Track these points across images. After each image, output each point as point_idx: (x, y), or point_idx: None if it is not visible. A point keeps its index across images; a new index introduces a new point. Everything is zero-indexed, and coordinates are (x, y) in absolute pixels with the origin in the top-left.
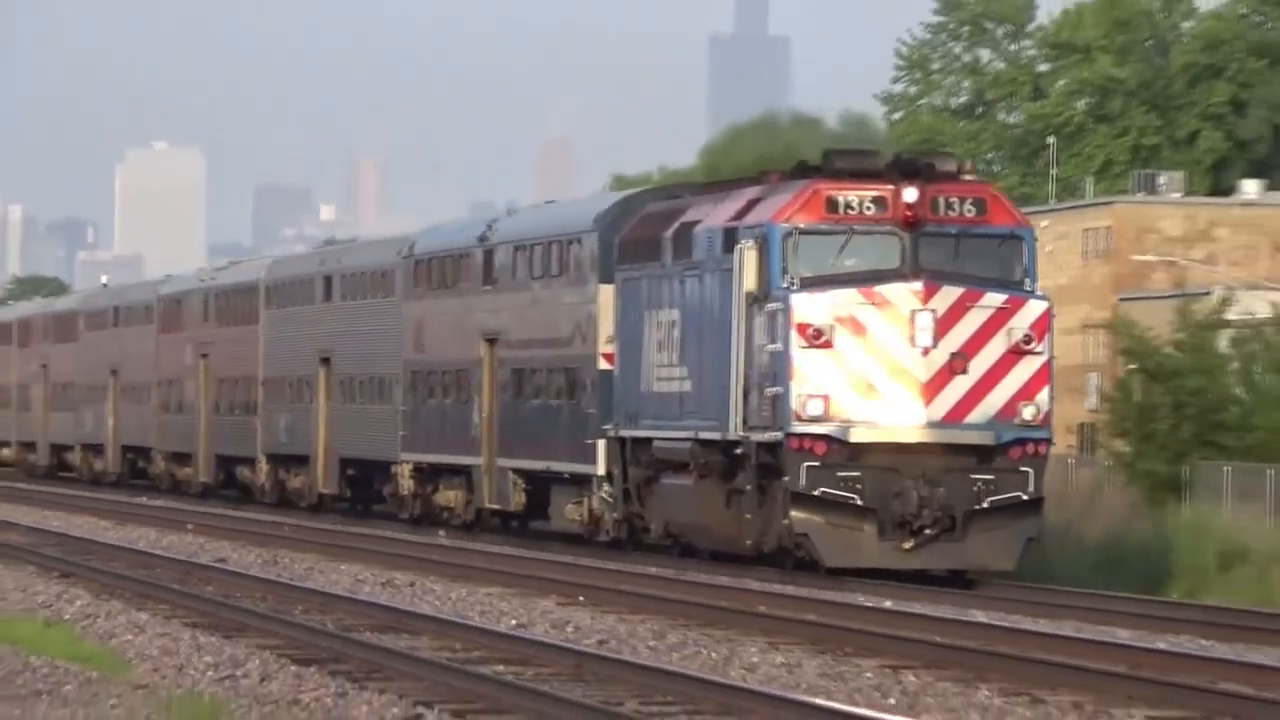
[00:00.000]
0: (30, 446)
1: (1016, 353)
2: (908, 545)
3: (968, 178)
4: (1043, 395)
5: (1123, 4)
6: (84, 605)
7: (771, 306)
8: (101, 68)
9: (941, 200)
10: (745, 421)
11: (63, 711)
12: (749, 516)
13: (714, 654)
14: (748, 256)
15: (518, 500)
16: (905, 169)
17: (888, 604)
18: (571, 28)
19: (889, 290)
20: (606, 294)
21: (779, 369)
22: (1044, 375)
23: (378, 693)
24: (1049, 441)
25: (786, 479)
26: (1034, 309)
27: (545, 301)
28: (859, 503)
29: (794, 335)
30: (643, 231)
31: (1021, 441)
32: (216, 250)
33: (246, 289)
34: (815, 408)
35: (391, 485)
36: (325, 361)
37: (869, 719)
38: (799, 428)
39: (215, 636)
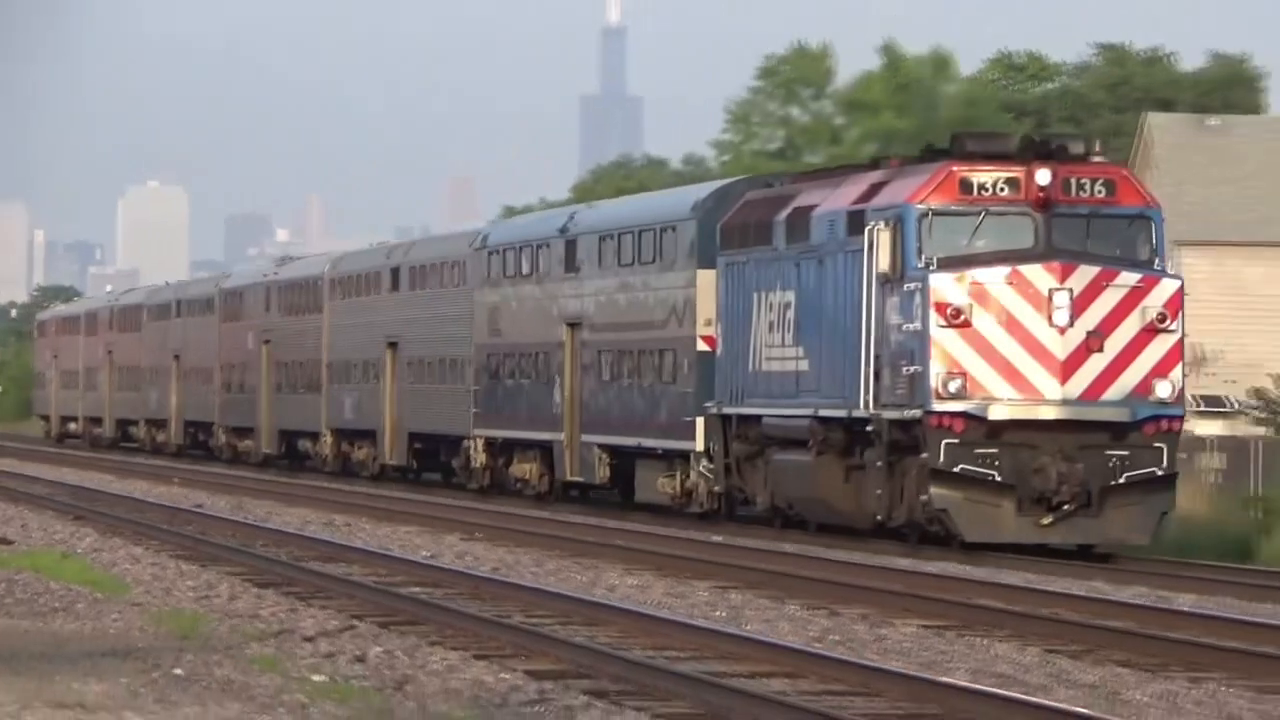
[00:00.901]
0: (97, 421)
1: (1150, 331)
2: (1046, 521)
3: (1097, 159)
4: (1175, 373)
5: (902, 71)
6: (92, 541)
7: (909, 286)
8: (107, 117)
9: (1073, 181)
10: (877, 399)
11: (76, 624)
12: (879, 492)
13: (582, 578)
14: (881, 237)
15: (602, 474)
16: (1038, 150)
17: (717, 539)
18: (472, 86)
19: (1027, 270)
20: (706, 278)
21: (917, 348)
22: (1176, 353)
23: (320, 608)
24: (1181, 418)
25: (925, 455)
26: (1167, 288)
27: (635, 287)
28: (998, 479)
29: (933, 314)
30: (749, 217)
31: (1156, 418)
32: (197, 266)
33: (308, 283)
34: (954, 385)
35: (461, 459)
36: (393, 345)
37: (702, 628)
38: (938, 405)
39: (194, 565)
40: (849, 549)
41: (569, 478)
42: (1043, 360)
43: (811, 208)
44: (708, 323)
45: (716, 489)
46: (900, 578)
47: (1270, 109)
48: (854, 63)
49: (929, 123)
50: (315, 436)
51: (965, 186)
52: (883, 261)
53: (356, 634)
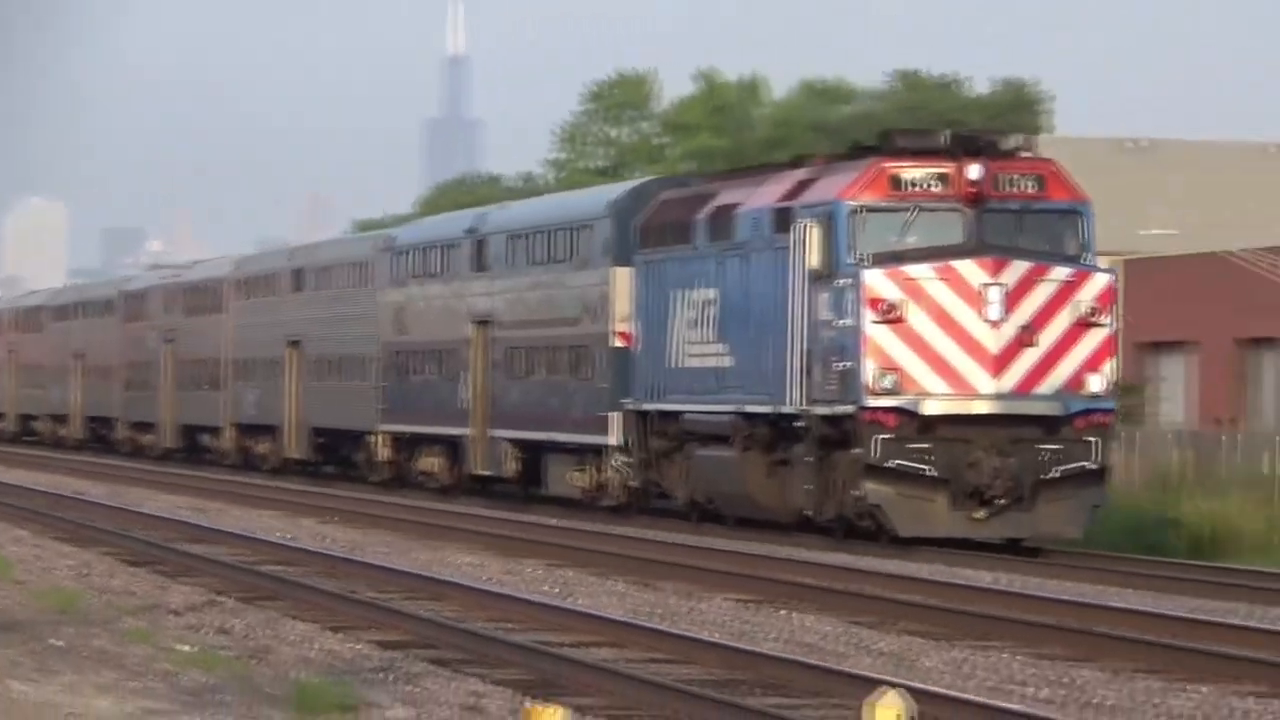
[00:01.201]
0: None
1: (1083, 325)
2: (979, 515)
3: (1026, 155)
4: (1108, 367)
5: (718, 95)
6: None
7: (841, 282)
8: None
9: (1003, 177)
10: (807, 395)
11: None
12: (808, 487)
13: (426, 557)
14: (811, 234)
15: (511, 468)
16: (968, 146)
17: (552, 521)
18: (327, 108)
19: (959, 265)
20: (621, 276)
21: (850, 343)
22: (1109, 347)
23: (188, 585)
24: (1113, 412)
25: (858, 451)
26: (1099, 282)
27: (548, 285)
28: (931, 474)
29: (866, 310)
30: (666, 216)
31: (1088, 412)
32: (75, 273)
33: (210, 285)
34: (888, 381)
35: (365, 453)
36: (295, 344)
37: (534, 602)
38: (872, 401)
39: (74, 546)
40: (758, 541)
41: (477, 471)
42: (975, 355)
43: (734, 206)
44: (623, 320)
45: (632, 483)
46: (717, 556)
47: (1056, 130)
48: (675, 87)
49: (743, 142)
50: (217, 431)
51: (896, 183)
52: (813, 258)
53: (220, 608)
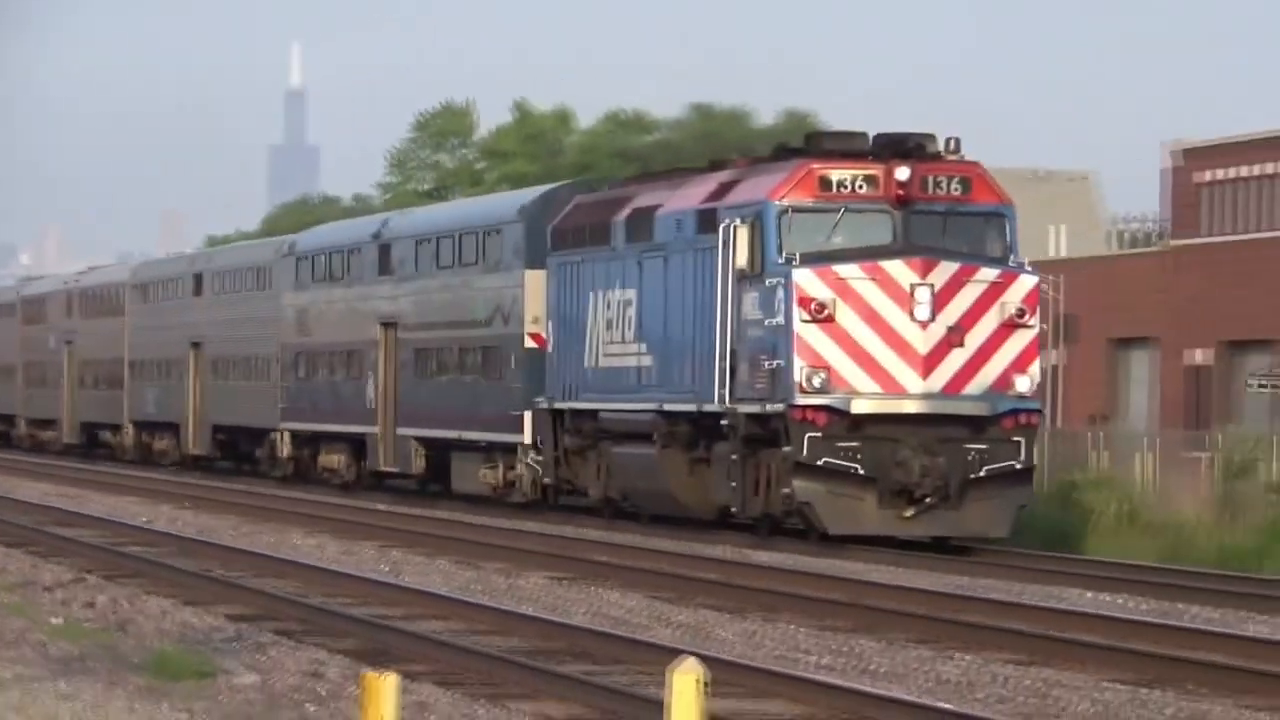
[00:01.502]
0: None
1: (1009, 326)
2: (908, 514)
3: (952, 157)
4: (1034, 367)
5: (530, 124)
6: None
7: (770, 282)
8: None
9: (930, 179)
10: (732, 394)
11: None
12: (733, 485)
13: (271, 539)
14: (738, 234)
15: (419, 465)
16: (895, 148)
17: (380, 506)
18: (177, 133)
19: (889, 265)
20: (534, 278)
21: (780, 342)
22: (1034, 348)
23: (57, 564)
24: (1039, 412)
25: (788, 449)
26: (1025, 283)
27: (456, 288)
28: (860, 472)
29: (796, 309)
30: (582, 219)
31: (1014, 412)
32: None
33: (109, 289)
34: (818, 379)
35: (266, 449)
36: (196, 345)
37: (368, 579)
38: (801, 399)
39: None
40: (656, 535)
41: (382, 468)
42: (904, 355)
43: (654, 208)
44: (535, 321)
45: (546, 480)
46: (532, 538)
47: None
48: (493, 117)
49: (553, 166)
50: (117, 428)
51: (824, 184)
52: (740, 258)
53: (87, 585)
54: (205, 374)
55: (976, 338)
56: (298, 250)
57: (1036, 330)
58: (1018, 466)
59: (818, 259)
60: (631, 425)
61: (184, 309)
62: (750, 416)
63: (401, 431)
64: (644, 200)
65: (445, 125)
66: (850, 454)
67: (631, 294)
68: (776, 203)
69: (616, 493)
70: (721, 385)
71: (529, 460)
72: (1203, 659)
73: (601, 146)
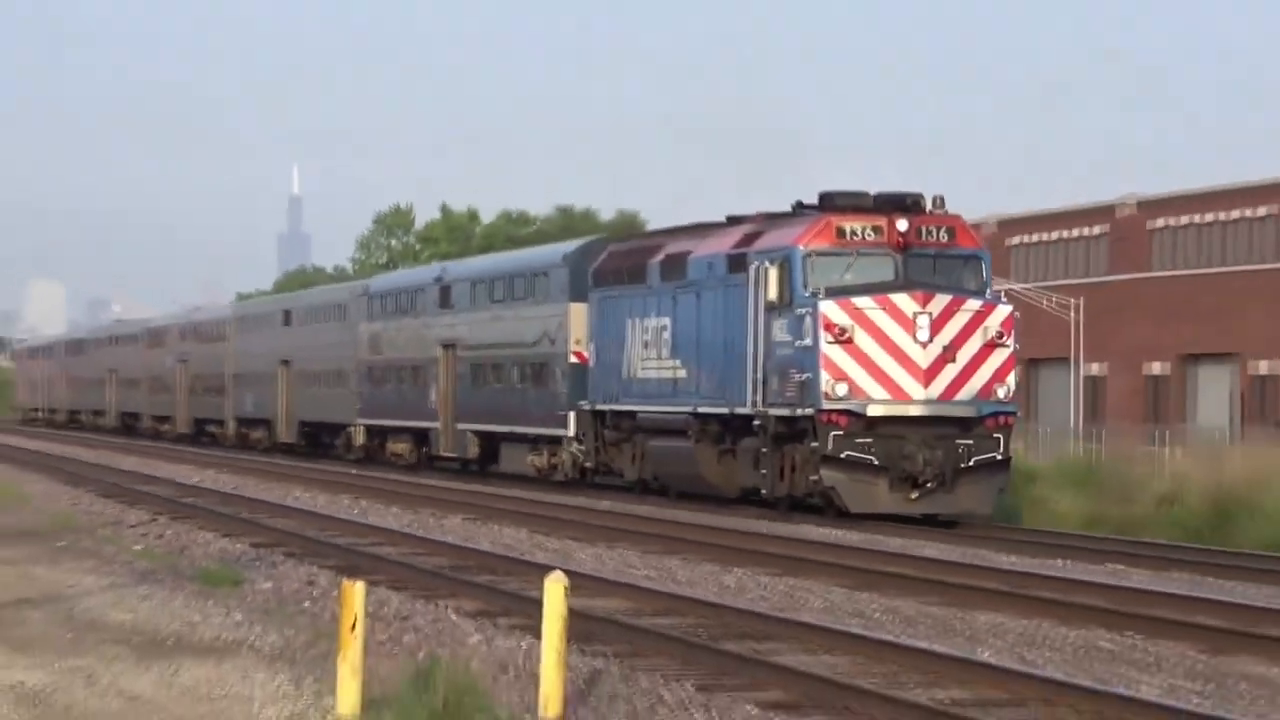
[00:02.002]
0: (55, 410)
1: (990, 346)
2: (913, 496)
3: (939, 211)
4: (1010, 379)
5: (450, 219)
6: (12, 474)
7: (799, 311)
8: None
9: (923, 228)
10: (764, 400)
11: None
12: (763, 472)
13: (279, 492)
14: (769, 274)
15: (473, 451)
16: (896, 204)
17: (353, 472)
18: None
19: (895, 298)
20: (577, 310)
21: (807, 359)
22: (1010, 363)
23: (139, 510)
24: (1014, 414)
25: (815, 444)
26: (1002, 312)
27: (507, 318)
28: (874, 462)
29: (823, 333)
30: (620, 263)
31: (996, 414)
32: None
33: (215, 322)
34: (841, 389)
35: (343, 439)
36: (285, 363)
37: (344, 519)
38: (828, 405)
39: (70, 487)
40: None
41: (442, 453)
42: (909, 369)
43: (686, 253)
44: (578, 342)
45: (587, 464)
46: (454, 492)
47: None
48: (426, 213)
49: (466, 249)
50: (220, 423)
51: (840, 233)
52: (770, 292)
53: (158, 524)
54: (293, 383)
55: (965, 355)
56: (370, 291)
57: (1012, 349)
58: (998, 457)
59: (838, 292)
60: (667, 423)
61: (276, 336)
62: (779, 418)
63: (460, 426)
64: (674, 247)
65: (393, 221)
66: (867, 448)
67: (666, 321)
68: (802, 248)
69: (649, 475)
70: (754, 393)
71: (572, 449)
72: (897, 572)
73: (498, 234)
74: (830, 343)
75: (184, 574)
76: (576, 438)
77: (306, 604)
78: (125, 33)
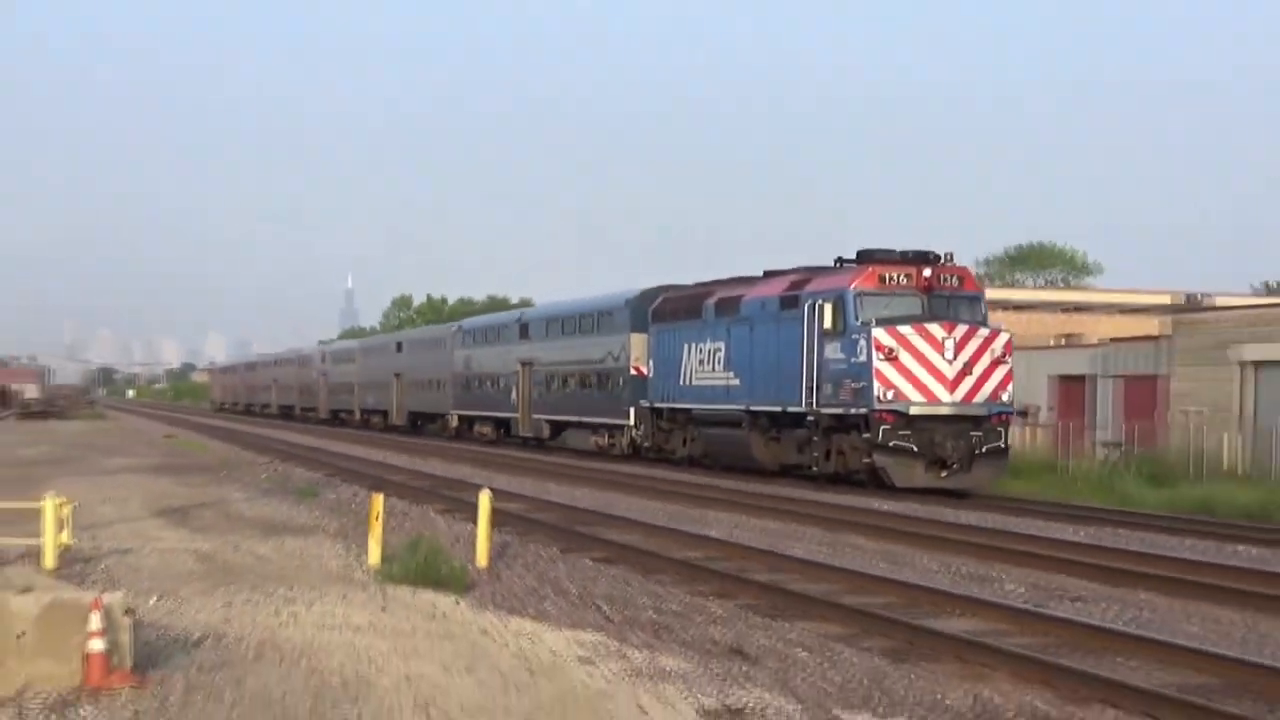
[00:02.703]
0: (314, 409)
1: (996, 363)
2: (943, 475)
3: (952, 263)
4: (1010, 387)
5: (430, 303)
6: (201, 437)
7: (853, 336)
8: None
9: (941, 275)
10: (817, 401)
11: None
12: (815, 454)
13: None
14: (826, 309)
15: (545, 432)
16: (921, 258)
17: (510, 451)
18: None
19: (929, 326)
20: (637, 338)
21: (862, 372)
22: (1010, 376)
23: (264, 456)
24: (1012, 414)
25: (868, 435)
26: (1004, 338)
27: (577, 344)
28: (914, 449)
29: (875, 352)
30: (674, 306)
31: (1000, 413)
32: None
33: (347, 351)
34: (889, 394)
35: (440, 423)
36: (398, 375)
37: (373, 460)
38: (879, 406)
39: (232, 445)
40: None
41: (520, 434)
42: (939, 379)
43: (739, 296)
44: (637, 359)
45: (645, 444)
46: (466, 451)
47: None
48: (420, 297)
49: (437, 319)
50: (350, 412)
51: (881, 279)
52: (826, 323)
53: (274, 464)
54: (404, 388)
55: (979, 369)
56: (463, 329)
57: (1010, 366)
58: (1001, 446)
59: (885, 322)
60: (722, 417)
61: (389, 359)
62: (832, 415)
63: (535, 416)
64: (724, 293)
65: (400, 302)
66: (908, 438)
67: (721, 345)
68: (854, 289)
69: (699, 454)
70: (807, 396)
71: (632, 433)
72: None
73: (457, 312)
74: (881, 360)
75: (289, 490)
76: (635, 425)
77: (353, 506)
78: (251, 192)
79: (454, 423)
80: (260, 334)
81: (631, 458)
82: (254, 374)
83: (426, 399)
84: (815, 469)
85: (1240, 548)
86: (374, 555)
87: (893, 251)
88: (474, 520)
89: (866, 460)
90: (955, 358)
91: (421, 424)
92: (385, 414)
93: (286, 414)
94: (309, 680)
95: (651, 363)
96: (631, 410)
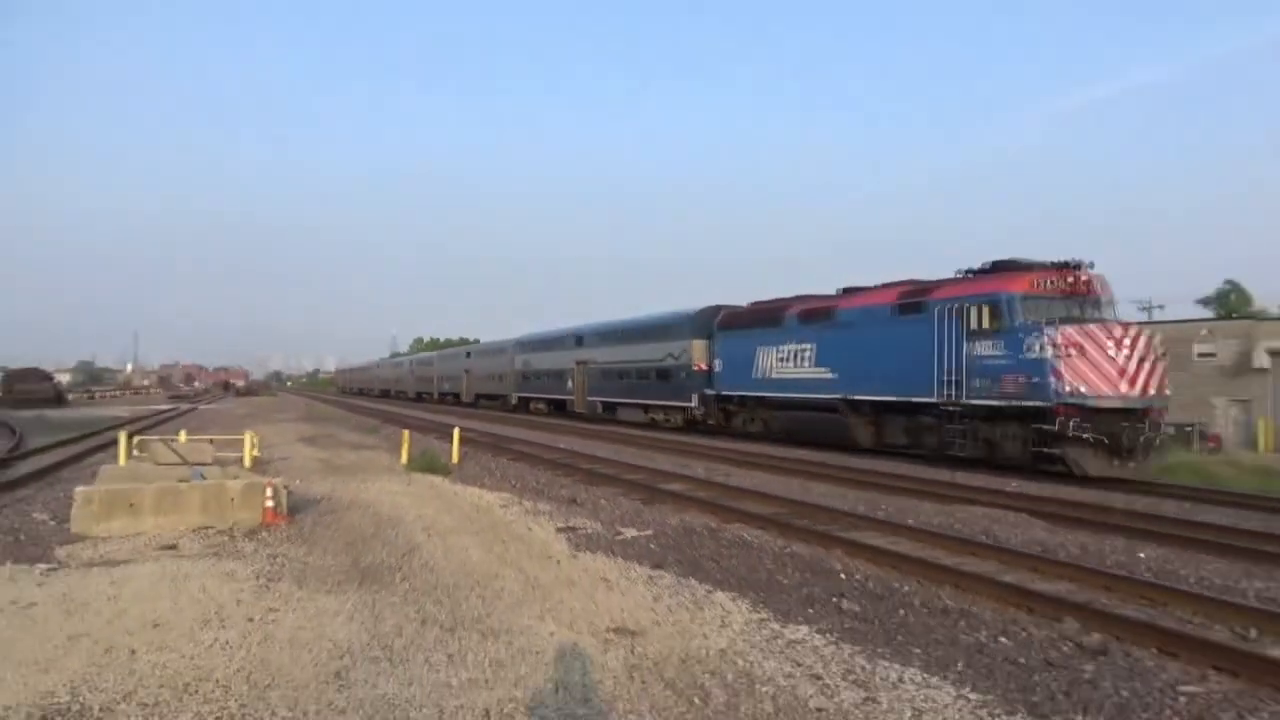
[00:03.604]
0: (457, 396)
1: (1156, 359)
2: (1118, 463)
3: (1092, 270)
4: (1167, 382)
5: (428, 341)
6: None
7: (1020, 335)
8: None
9: (1085, 280)
10: (961, 395)
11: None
12: (961, 441)
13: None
14: (975, 311)
15: (599, 410)
16: (1065, 265)
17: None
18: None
19: (1098, 325)
20: (698, 344)
21: (1035, 368)
22: (1167, 371)
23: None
24: (1165, 408)
25: (1047, 426)
26: (1158, 336)
27: (641, 351)
28: (1093, 438)
29: (1051, 349)
30: (742, 318)
31: (1161, 407)
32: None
33: (427, 359)
34: (1073, 388)
35: (501, 402)
36: (468, 371)
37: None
38: (1060, 400)
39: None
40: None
41: (576, 410)
42: (1115, 374)
43: (830, 308)
44: (698, 359)
45: (710, 421)
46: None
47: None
48: (426, 335)
49: (422, 348)
50: (431, 395)
51: (1033, 283)
52: (976, 324)
53: (388, 428)
54: (472, 378)
55: (1145, 365)
56: (520, 341)
57: (1166, 363)
58: (1159, 437)
59: (1064, 322)
60: (807, 403)
61: (460, 363)
62: (986, 407)
63: (590, 398)
64: (808, 306)
65: (417, 343)
66: (1089, 429)
67: (808, 346)
68: (1015, 293)
69: (778, 430)
70: (945, 389)
71: (693, 413)
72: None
73: (435, 345)
74: (1060, 356)
75: (372, 432)
76: (698, 407)
77: (395, 437)
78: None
79: (514, 401)
80: (336, 352)
81: (685, 430)
82: (365, 374)
83: (490, 387)
84: (962, 454)
85: None
86: (404, 458)
87: (1032, 261)
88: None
89: (1055, 451)
90: (1125, 353)
91: (482, 402)
92: (458, 395)
93: (385, 394)
94: (372, 517)
95: (717, 361)
96: (695, 396)
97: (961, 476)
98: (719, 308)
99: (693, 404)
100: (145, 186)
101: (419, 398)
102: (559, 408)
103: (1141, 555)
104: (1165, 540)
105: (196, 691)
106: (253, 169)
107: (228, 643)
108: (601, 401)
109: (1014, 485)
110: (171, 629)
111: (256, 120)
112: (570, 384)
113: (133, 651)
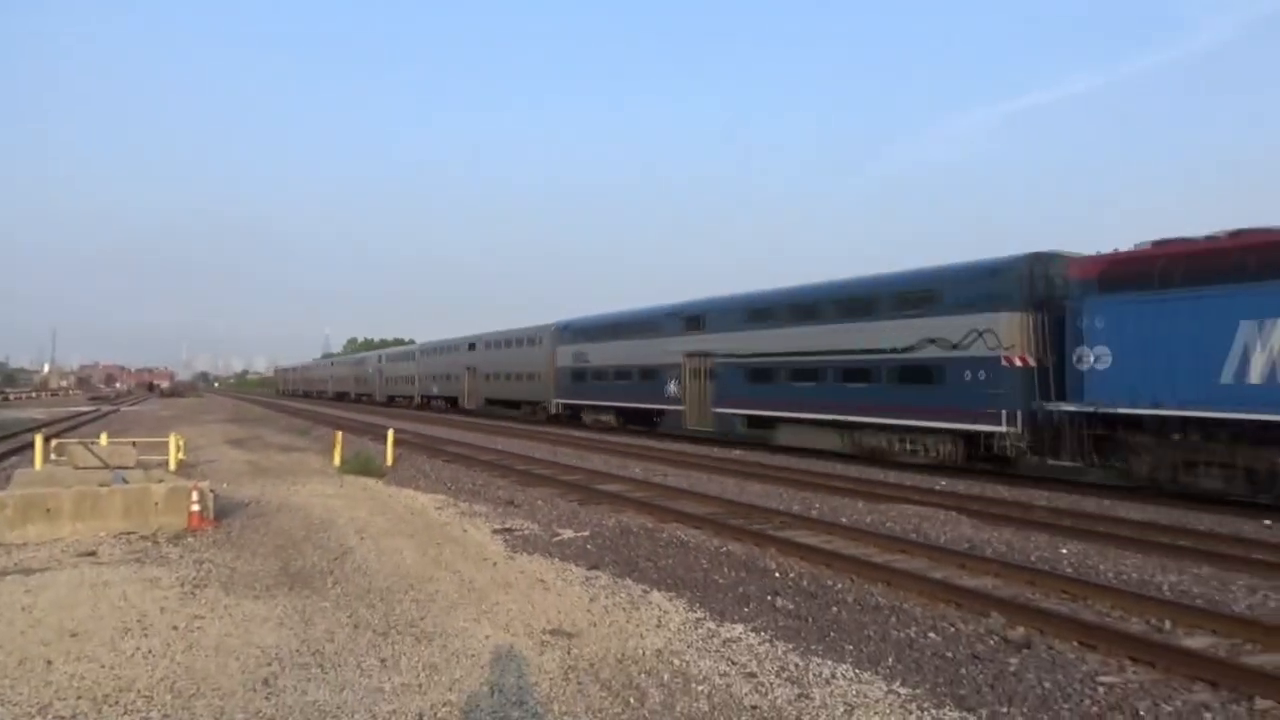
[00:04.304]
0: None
1: None
2: None
3: None
4: None
5: (361, 343)
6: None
7: None
8: None
9: None
10: None
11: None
12: None
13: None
14: None
15: (735, 427)
16: None
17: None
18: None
19: None
20: (1012, 318)
21: None
22: None
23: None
24: None
25: None
26: None
27: (878, 333)
28: None
29: None
30: (1172, 266)
31: None
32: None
33: (408, 352)
34: None
35: (527, 409)
36: (470, 369)
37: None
38: None
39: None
40: None
41: (690, 428)
42: None
43: None
44: (1010, 347)
45: (1075, 461)
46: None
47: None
48: (360, 336)
49: (358, 348)
50: (410, 398)
51: None
52: None
53: (320, 430)
54: (476, 378)
55: None
56: (562, 328)
57: None
58: None
59: None
60: None
61: (463, 355)
62: None
63: (717, 409)
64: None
65: (351, 343)
66: None
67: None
68: None
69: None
70: None
71: (1012, 442)
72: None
73: (365, 346)
74: None
75: (303, 434)
76: (1019, 431)
77: (327, 439)
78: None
79: (553, 409)
80: (267, 352)
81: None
82: (310, 371)
83: (506, 389)
84: None
85: None
86: (336, 460)
87: None
88: (389, 443)
89: None
90: None
91: (497, 409)
92: (455, 401)
93: (341, 398)
94: (303, 520)
95: (1094, 351)
96: (1011, 413)
97: (894, 476)
98: (1051, 257)
99: (1001, 426)
100: (68, 181)
101: (391, 401)
102: (618, 417)
103: (1064, 551)
104: (1086, 536)
105: (117, 702)
106: (187, 166)
107: (150, 651)
108: (741, 415)
109: (943, 484)
110: (91, 638)
111: (188, 114)
112: (672, 387)
113: (49, 662)
